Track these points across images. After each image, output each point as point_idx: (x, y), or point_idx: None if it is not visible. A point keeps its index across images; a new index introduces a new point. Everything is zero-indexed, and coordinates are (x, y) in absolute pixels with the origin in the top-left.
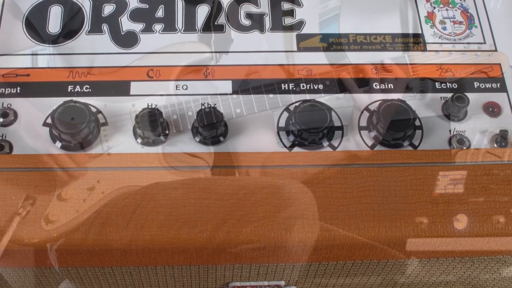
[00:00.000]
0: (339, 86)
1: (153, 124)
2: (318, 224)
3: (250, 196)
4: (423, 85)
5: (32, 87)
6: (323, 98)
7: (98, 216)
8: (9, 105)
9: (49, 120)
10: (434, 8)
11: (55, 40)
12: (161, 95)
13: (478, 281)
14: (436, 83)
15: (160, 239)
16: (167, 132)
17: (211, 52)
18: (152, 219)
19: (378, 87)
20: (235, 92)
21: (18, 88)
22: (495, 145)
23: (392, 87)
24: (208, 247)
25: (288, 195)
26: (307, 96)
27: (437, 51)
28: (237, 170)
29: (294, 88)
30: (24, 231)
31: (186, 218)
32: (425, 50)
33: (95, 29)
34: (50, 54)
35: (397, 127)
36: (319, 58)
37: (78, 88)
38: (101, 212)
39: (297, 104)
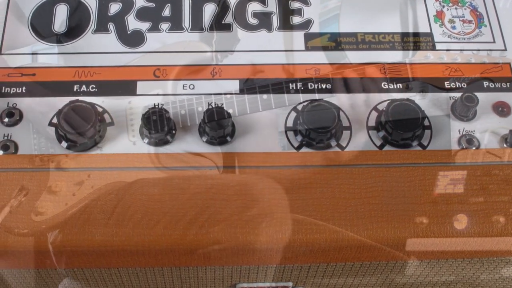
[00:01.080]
0: (348, 85)
1: (160, 124)
2: (326, 225)
3: (260, 199)
4: (423, 85)
5: (37, 86)
6: (331, 98)
7: (102, 216)
8: (14, 105)
9: (55, 120)
10: (443, 7)
11: (60, 39)
12: (168, 94)
13: (478, 281)
14: (445, 83)
15: (166, 240)
16: (173, 132)
17: (218, 51)
18: (158, 220)
19: (386, 86)
20: (241, 91)
21: (24, 88)
22: (505, 145)
23: (400, 86)
24: (215, 248)
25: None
26: (315, 96)
27: (446, 50)
28: (244, 171)
29: (302, 88)
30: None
31: (192, 219)
32: (434, 49)
33: (101, 28)
34: (55, 54)
35: (406, 127)
36: (327, 57)
37: (84, 88)
38: (106, 213)
39: (305, 103)
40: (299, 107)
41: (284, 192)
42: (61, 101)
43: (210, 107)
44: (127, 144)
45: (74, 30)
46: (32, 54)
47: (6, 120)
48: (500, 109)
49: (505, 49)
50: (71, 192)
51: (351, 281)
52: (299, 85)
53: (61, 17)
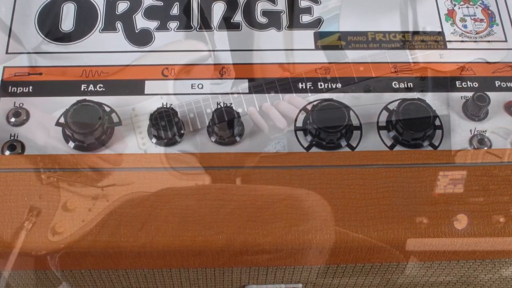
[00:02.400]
0: (358, 84)
1: (169, 124)
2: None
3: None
4: (423, 84)
5: (44, 86)
6: (342, 97)
7: (111, 218)
8: (21, 105)
9: (62, 120)
10: (455, 5)
11: (68, 38)
12: (176, 94)
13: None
14: (457, 82)
15: (175, 241)
16: (182, 132)
17: (227, 50)
18: (167, 221)
19: (397, 86)
20: (250, 90)
21: (30, 87)
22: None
23: (411, 86)
24: (225, 249)
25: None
26: (325, 95)
27: (457, 49)
28: (254, 171)
29: (312, 87)
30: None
31: (202, 220)
32: (445, 48)
33: (109, 27)
34: (63, 53)
35: (416, 126)
36: (338, 56)
37: (91, 87)
38: (114, 214)
39: (315, 103)
40: (309, 107)
41: (293, 193)
42: (68, 101)
43: (218, 106)
44: (135, 144)
45: (81, 29)
46: (39, 53)
47: (13, 120)
48: None
49: None
50: (87, 208)
51: (362, 281)
52: (308, 84)
53: (68, 16)
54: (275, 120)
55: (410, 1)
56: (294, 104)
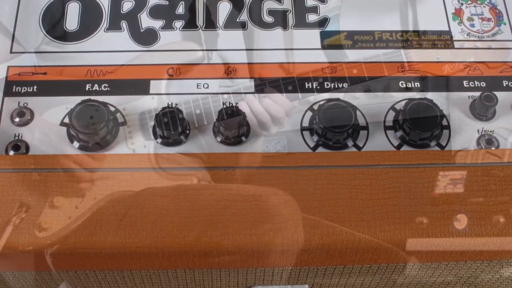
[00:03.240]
0: (365, 84)
1: (173, 124)
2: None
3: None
4: (423, 84)
5: (49, 85)
6: (348, 97)
7: (115, 218)
8: (25, 104)
9: (66, 120)
10: (462, 4)
11: (72, 37)
12: (181, 94)
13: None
14: (464, 82)
15: (181, 242)
16: (187, 132)
17: (233, 50)
18: (172, 222)
19: (404, 85)
20: (257, 90)
21: (35, 87)
22: None
23: (419, 85)
24: (230, 250)
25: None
26: (332, 95)
27: (465, 48)
28: (259, 171)
29: (318, 87)
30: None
31: (207, 220)
32: (452, 47)
33: (114, 26)
34: (67, 52)
35: (423, 126)
36: (344, 55)
37: (96, 87)
38: (118, 214)
39: (321, 103)
40: (315, 106)
41: (300, 194)
42: (73, 101)
43: (224, 106)
44: (140, 145)
45: (86, 28)
46: (43, 52)
47: (17, 119)
48: None
49: None
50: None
51: (369, 282)
52: (315, 83)
53: (73, 15)
54: (272, 110)
55: (418, 0)
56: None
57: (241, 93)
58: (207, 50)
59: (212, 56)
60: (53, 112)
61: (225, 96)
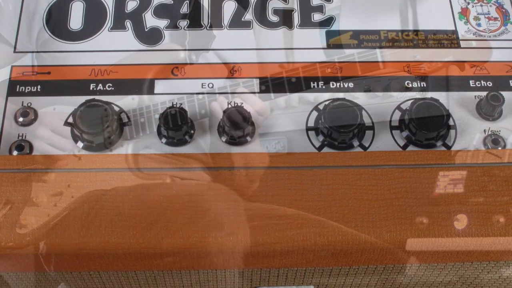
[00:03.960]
0: (371, 84)
1: (178, 123)
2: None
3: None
4: (428, 84)
5: (53, 85)
6: (354, 97)
7: (119, 218)
8: (29, 104)
9: (70, 120)
10: (468, 4)
11: (76, 36)
12: (186, 93)
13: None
14: (470, 81)
15: (185, 242)
16: (192, 132)
17: (238, 49)
18: (177, 222)
19: (410, 85)
20: (261, 90)
21: (39, 87)
22: None
23: (425, 85)
24: (235, 250)
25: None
26: (337, 95)
27: (471, 48)
28: (265, 171)
29: (324, 86)
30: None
31: (211, 221)
32: (458, 47)
33: (118, 25)
34: (71, 51)
35: (430, 126)
36: (349, 55)
37: (100, 87)
38: (122, 214)
39: (326, 102)
40: (321, 106)
41: (305, 194)
42: (77, 100)
43: (229, 106)
44: (146, 144)
45: (90, 28)
46: (47, 52)
47: (20, 119)
48: None
49: None
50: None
51: (375, 282)
52: (320, 83)
53: (76, 14)
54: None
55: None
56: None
57: (246, 92)
58: (212, 49)
59: (217, 55)
60: (57, 112)
61: (230, 95)
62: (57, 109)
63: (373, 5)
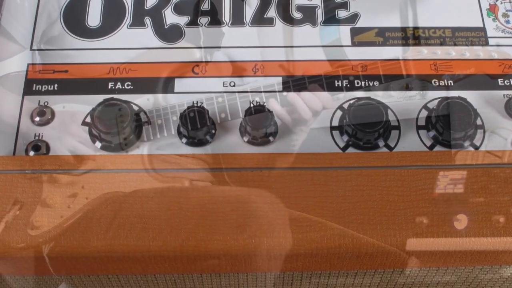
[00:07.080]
0: (396, 82)
1: (199, 123)
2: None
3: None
4: (424, 84)
5: (70, 84)
6: (379, 95)
7: (139, 221)
8: (46, 103)
9: (88, 119)
10: (497, 0)
11: (94, 34)
12: (207, 92)
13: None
14: (499, 80)
15: (206, 245)
16: (213, 131)
17: (260, 47)
18: (198, 225)
19: (437, 84)
20: (284, 88)
21: (56, 85)
22: None
23: (452, 84)
24: (257, 253)
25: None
26: (362, 94)
27: (499, 45)
28: (288, 172)
29: (348, 85)
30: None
31: (233, 223)
32: (487, 44)
33: (137, 22)
34: (89, 49)
35: (457, 126)
36: (375, 53)
37: (119, 85)
38: (143, 217)
39: (351, 101)
40: (345, 105)
41: (329, 196)
42: (95, 99)
43: (251, 105)
44: (164, 144)
45: (108, 25)
46: (65, 50)
47: (37, 119)
48: None
49: None
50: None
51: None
52: (345, 82)
53: (95, 11)
54: (300, 110)
55: None
56: (318, 96)
57: (269, 91)
58: (232, 47)
59: (239, 53)
60: (74, 111)
61: (251, 94)
62: (67, 107)
63: (394, 2)
